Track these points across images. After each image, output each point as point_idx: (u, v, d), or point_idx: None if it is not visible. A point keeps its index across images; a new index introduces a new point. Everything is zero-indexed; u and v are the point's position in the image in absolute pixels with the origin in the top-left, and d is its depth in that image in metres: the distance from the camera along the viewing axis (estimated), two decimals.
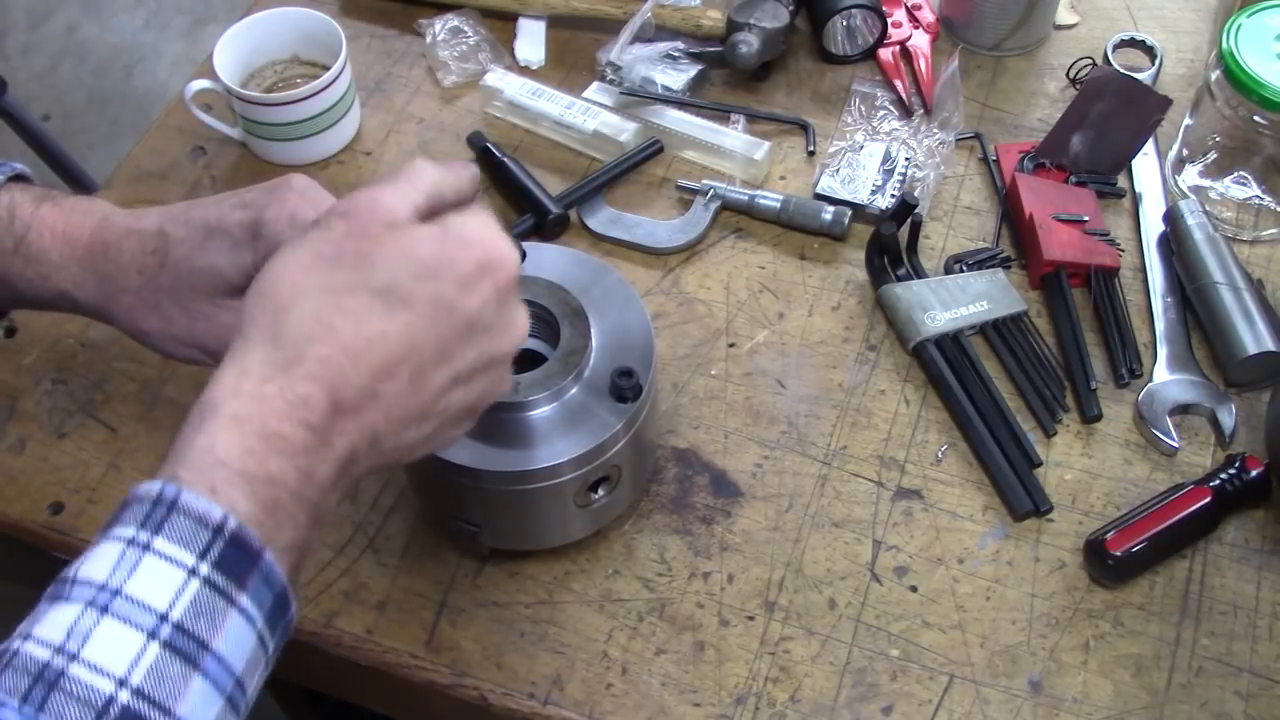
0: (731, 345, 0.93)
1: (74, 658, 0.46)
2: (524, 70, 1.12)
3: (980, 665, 0.78)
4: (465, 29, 1.13)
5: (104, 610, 0.47)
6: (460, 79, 1.11)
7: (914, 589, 0.81)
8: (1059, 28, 1.14)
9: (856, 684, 0.78)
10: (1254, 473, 0.83)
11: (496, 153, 1.03)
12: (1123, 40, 1.12)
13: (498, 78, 1.09)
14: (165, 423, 0.90)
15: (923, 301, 0.92)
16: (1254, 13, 0.94)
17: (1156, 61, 1.10)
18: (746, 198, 1.00)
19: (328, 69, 1.02)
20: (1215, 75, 0.95)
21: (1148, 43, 1.11)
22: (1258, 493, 0.83)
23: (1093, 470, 0.86)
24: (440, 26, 1.13)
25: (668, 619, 0.81)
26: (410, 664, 0.80)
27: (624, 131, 1.04)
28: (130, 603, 0.47)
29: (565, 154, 1.07)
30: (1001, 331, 0.92)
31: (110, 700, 0.45)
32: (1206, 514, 0.82)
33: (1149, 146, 1.03)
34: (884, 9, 1.10)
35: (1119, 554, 0.79)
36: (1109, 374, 0.91)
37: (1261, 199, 0.99)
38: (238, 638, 0.49)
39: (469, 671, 0.79)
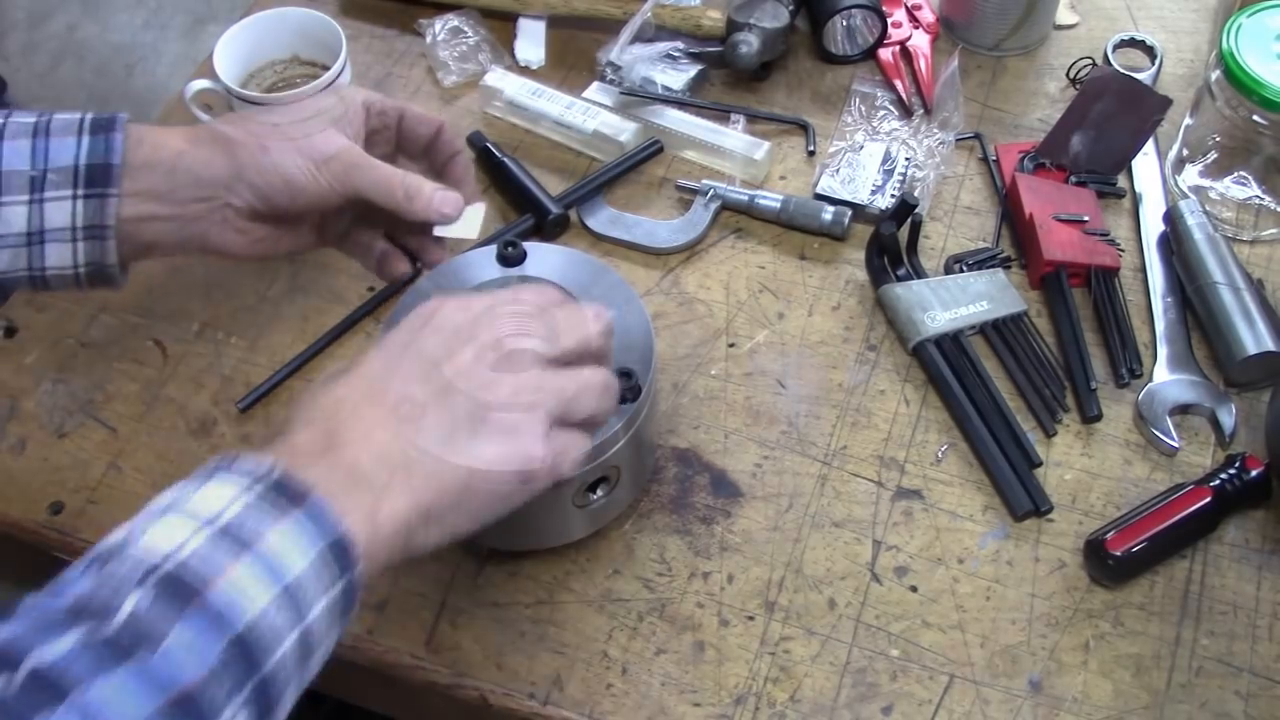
0: (731, 345, 0.93)
1: (133, 544, 0.52)
2: (524, 70, 1.12)
3: (980, 665, 0.78)
4: (465, 29, 1.13)
5: (164, 514, 0.53)
6: (460, 79, 1.11)
7: (914, 589, 0.81)
8: (1059, 28, 1.14)
9: (856, 684, 0.78)
10: (1254, 473, 0.83)
11: (496, 153, 1.03)
12: (1123, 40, 1.12)
13: (498, 78, 1.09)
14: (165, 423, 0.90)
15: (923, 301, 0.92)
16: (1254, 13, 0.94)
17: (1156, 61, 1.10)
18: (746, 198, 1.00)
19: (328, 69, 1.02)
20: (1215, 75, 0.95)
21: (1148, 43, 1.11)
22: (1258, 493, 0.83)
23: (1093, 470, 0.86)
24: (440, 26, 1.13)
25: (668, 619, 0.81)
26: (410, 664, 0.80)
27: (624, 131, 1.04)
28: (186, 509, 0.53)
29: (565, 154, 1.07)
30: (1001, 331, 0.92)
31: (158, 566, 0.50)
32: (1206, 514, 0.82)
33: (1149, 146, 1.03)
34: (884, 9, 1.11)
35: (1119, 554, 0.79)
36: (1109, 374, 0.91)
37: (1261, 199, 0.99)
38: (288, 546, 0.53)
39: (469, 671, 0.79)
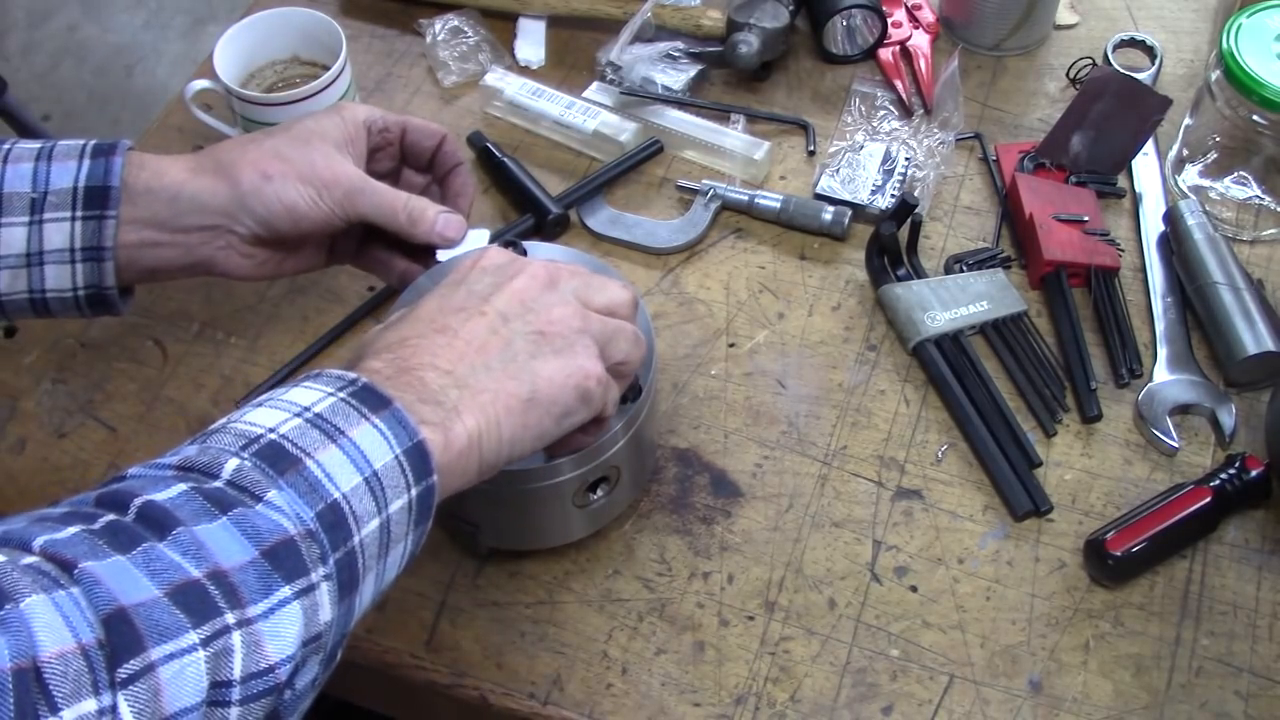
0: (731, 345, 0.93)
1: (232, 422, 0.55)
2: (524, 70, 1.12)
3: (980, 665, 0.78)
4: (465, 29, 1.13)
5: (259, 405, 0.56)
6: (460, 79, 1.11)
7: (914, 589, 0.81)
8: (1059, 28, 1.14)
9: (856, 684, 0.78)
10: (1254, 473, 0.83)
11: (496, 153, 1.03)
12: (1123, 40, 1.12)
13: (498, 78, 1.09)
14: (165, 423, 0.90)
15: (923, 301, 0.92)
16: (1254, 13, 0.94)
17: (1156, 61, 1.10)
18: (746, 198, 1.00)
19: (328, 69, 1.02)
20: (1215, 75, 0.95)
21: (1148, 43, 1.11)
22: (1258, 493, 0.83)
23: (1093, 470, 0.86)
24: (440, 26, 1.13)
25: (668, 619, 0.81)
26: (410, 664, 0.80)
27: (624, 131, 1.04)
28: (280, 400, 0.57)
29: (565, 154, 1.07)
30: (1001, 331, 0.92)
31: (259, 437, 0.54)
32: (1206, 514, 0.82)
33: (1149, 146, 1.03)
34: (884, 9, 1.11)
35: (1119, 554, 0.79)
36: (1109, 374, 0.91)
37: (1261, 199, 0.99)
38: (372, 442, 0.56)
39: (469, 671, 0.79)
